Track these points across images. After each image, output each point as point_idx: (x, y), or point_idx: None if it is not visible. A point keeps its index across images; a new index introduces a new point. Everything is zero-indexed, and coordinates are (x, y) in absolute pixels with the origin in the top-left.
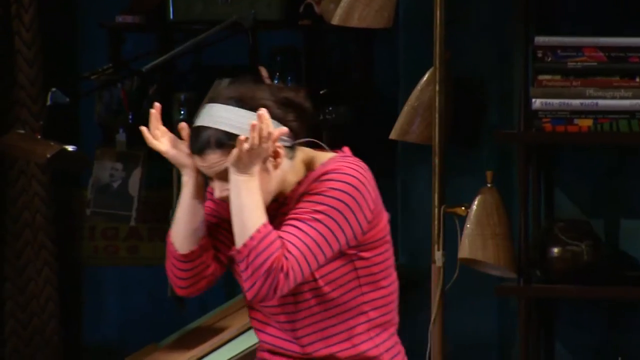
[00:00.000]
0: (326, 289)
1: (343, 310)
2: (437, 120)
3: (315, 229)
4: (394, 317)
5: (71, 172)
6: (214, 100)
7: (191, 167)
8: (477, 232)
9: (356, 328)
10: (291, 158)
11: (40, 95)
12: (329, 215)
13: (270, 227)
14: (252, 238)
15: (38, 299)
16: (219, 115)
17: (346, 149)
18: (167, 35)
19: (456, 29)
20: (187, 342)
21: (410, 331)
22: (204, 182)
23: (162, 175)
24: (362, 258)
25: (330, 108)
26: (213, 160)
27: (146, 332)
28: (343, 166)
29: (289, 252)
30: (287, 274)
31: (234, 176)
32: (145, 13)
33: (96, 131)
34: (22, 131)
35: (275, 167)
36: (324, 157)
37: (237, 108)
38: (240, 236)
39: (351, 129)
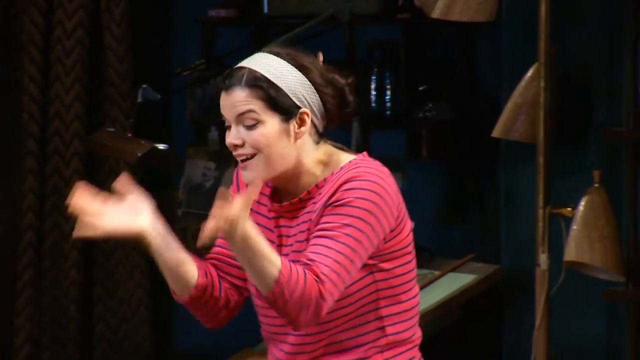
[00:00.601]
0: (343, 301)
1: (358, 323)
2: (541, 118)
3: (346, 244)
4: (414, 333)
5: (162, 172)
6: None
7: (141, 230)
8: (583, 234)
9: (370, 343)
10: (316, 142)
11: (131, 92)
12: (357, 228)
13: (287, 264)
14: (277, 283)
15: (129, 303)
16: (258, 60)
17: (365, 154)
18: (262, 29)
19: (562, 23)
20: None
21: (514, 337)
22: (163, 229)
23: None
24: (382, 270)
25: (430, 105)
26: (238, 97)
27: (240, 337)
28: (365, 172)
29: (325, 275)
30: (325, 299)
31: (230, 241)
32: (239, 7)
33: (188, 129)
34: (112, 129)
35: (297, 136)
36: (344, 158)
37: (278, 58)
38: (264, 287)
39: (452, 126)
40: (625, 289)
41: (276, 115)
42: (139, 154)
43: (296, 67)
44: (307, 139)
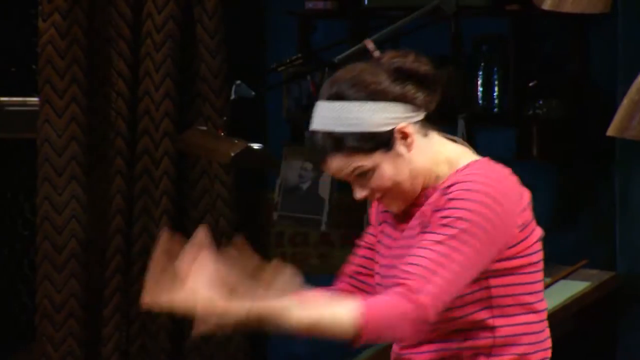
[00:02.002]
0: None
1: (463, 328)
2: None
3: (453, 257)
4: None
5: (257, 173)
6: (319, 97)
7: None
8: None
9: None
10: (425, 135)
11: (224, 89)
12: (463, 241)
13: (357, 307)
14: (362, 329)
15: None
16: (326, 116)
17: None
18: (361, 22)
19: None
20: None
21: (629, 349)
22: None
23: None
24: (494, 286)
25: (541, 102)
26: (335, 166)
27: (338, 348)
28: (476, 180)
29: (420, 289)
30: (424, 312)
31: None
32: None
33: (284, 127)
34: (203, 127)
35: (409, 148)
36: (466, 158)
37: (342, 102)
38: (345, 334)
39: (564, 124)
40: None
41: (378, 152)
42: (233, 154)
43: (364, 98)
44: (419, 139)
